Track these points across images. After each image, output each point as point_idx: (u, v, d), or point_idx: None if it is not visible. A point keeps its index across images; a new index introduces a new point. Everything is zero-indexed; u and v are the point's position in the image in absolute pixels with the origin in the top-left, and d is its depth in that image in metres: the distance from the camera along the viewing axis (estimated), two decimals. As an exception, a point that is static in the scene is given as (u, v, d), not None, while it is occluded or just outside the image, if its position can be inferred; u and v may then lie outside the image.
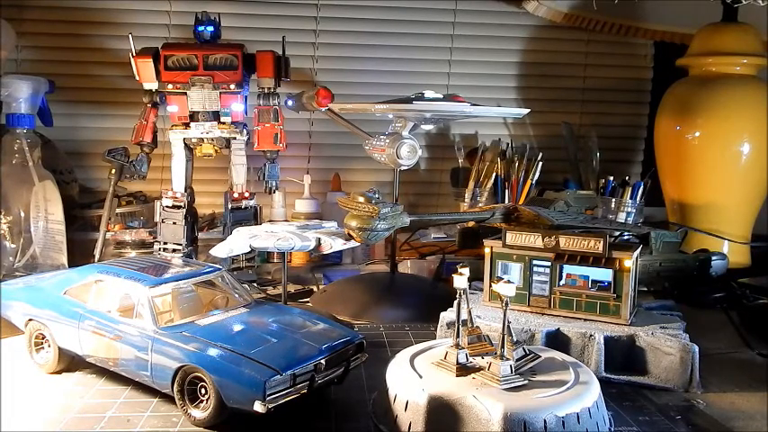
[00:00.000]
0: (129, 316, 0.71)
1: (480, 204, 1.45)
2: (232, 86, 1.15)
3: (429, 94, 0.99)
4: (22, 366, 0.79)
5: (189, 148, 1.18)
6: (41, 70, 1.36)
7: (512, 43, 1.66)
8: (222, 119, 1.17)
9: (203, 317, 0.73)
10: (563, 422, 0.58)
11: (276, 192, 1.27)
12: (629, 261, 0.82)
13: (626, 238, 1.12)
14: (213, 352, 0.65)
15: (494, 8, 1.63)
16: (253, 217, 1.21)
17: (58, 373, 0.77)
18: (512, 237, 0.88)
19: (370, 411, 0.68)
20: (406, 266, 1.28)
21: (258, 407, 0.60)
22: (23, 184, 1.16)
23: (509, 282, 0.63)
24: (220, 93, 1.15)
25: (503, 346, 0.64)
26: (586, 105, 1.73)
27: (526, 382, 0.63)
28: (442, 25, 1.62)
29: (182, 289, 0.75)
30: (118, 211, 1.31)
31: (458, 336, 0.67)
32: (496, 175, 1.45)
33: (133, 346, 0.69)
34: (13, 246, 1.15)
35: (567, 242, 0.85)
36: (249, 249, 0.91)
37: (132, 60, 1.15)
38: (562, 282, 0.86)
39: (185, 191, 1.18)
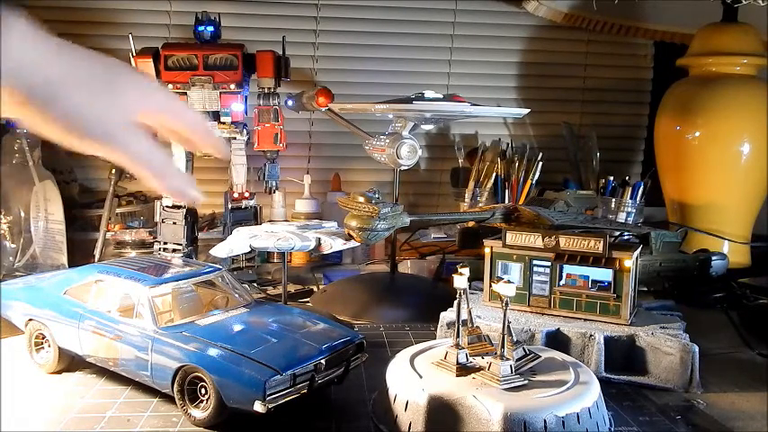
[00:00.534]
0: (129, 316, 0.71)
1: (480, 204, 1.45)
2: (232, 86, 1.15)
3: (429, 94, 0.99)
4: (22, 366, 0.79)
5: (189, 148, 1.18)
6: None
7: (512, 43, 1.66)
8: (222, 119, 1.17)
9: (203, 317, 0.73)
10: (563, 422, 0.58)
11: (276, 192, 1.27)
12: (629, 261, 0.82)
13: (626, 238, 1.12)
14: (213, 352, 0.65)
15: (494, 8, 1.63)
16: (253, 217, 1.21)
17: (58, 373, 0.77)
18: (512, 237, 0.88)
19: (370, 411, 0.68)
20: (406, 266, 1.28)
21: (258, 407, 0.60)
22: (23, 184, 1.16)
23: (509, 282, 0.63)
24: (220, 93, 1.15)
25: (503, 346, 0.64)
26: (586, 105, 1.73)
27: (526, 382, 0.63)
28: (442, 25, 1.62)
29: (182, 289, 0.75)
30: (118, 211, 1.31)
31: (458, 336, 0.67)
32: (496, 175, 1.45)
33: (133, 346, 0.69)
34: (13, 246, 1.15)
35: (567, 242, 0.85)
36: (249, 249, 0.91)
37: (132, 60, 1.15)
38: (562, 282, 0.86)
39: (185, 191, 1.18)
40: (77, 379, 0.76)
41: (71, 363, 0.77)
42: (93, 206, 1.34)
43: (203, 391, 0.65)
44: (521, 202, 1.36)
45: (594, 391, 0.63)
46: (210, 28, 1.17)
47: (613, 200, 1.45)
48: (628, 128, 1.75)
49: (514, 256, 0.89)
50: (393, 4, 1.58)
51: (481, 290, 0.94)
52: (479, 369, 0.65)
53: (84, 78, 0.42)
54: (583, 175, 1.60)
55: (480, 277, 0.94)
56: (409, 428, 0.61)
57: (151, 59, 1.14)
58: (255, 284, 1.16)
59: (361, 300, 1.06)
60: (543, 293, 0.87)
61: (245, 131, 1.20)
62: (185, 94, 1.15)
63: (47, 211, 1.16)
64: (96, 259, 1.16)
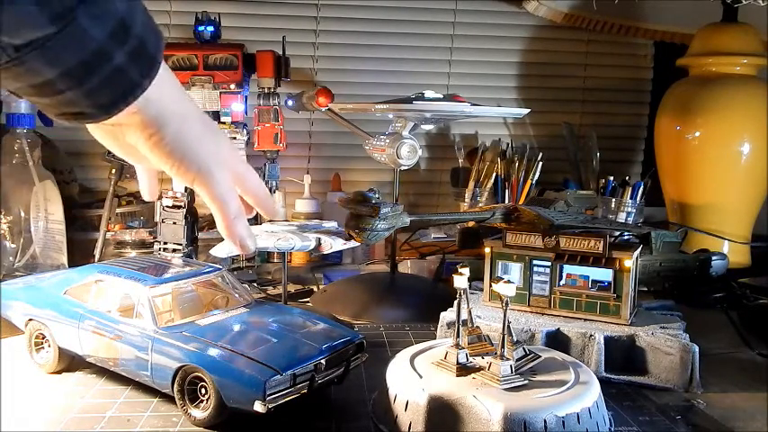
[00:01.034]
0: (129, 316, 0.71)
1: (480, 204, 1.45)
2: (232, 86, 1.15)
3: (429, 94, 0.99)
4: (22, 366, 0.79)
5: (189, 147, 1.18)
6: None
7: (512, 43, 1.66)
8: (222, 119, 1.17)
9: (203, 317, 0.73)
10: (563, 422, 0.58)
11: (276, 192, 1.27)
12: (630, 261, 0.82)
13: (626, 238, 1.12)
14: (213, 352, 0.65)
15: (494, 8, 1.63)
16: (253, 217, 1.21)
17: (58, 373, 0.77)
18: (512, 237, 0.88)
19: (370, 411, 0.68)
20: (406, 266, 1.28)
21: (258, 407, 0.60)
22: (23, 184, 1.16)
23: (509, 282, 0.63)
24: (220, 93, 1.15)
25: (503, 346, 0.64)
26: (586, 105, 1.73)
27: (526, 382, 0.63)
28: (442, 25, 1.62)
29: (182, 289, 0.75)
30: (118, 211, 1.31)
31: (458, 336, 0.67)
32: (496, 175, 1.45)
33: (133, 346, 0.69)
34: (13, 246, 1.15)
35: (567, 242, 0.85)
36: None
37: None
38: (562, 282, 0.86)
39: (185, 191, 1.18)
40: (77, 379, 0.76)
41: (71, 363, 0.77)
42: (93, 206, 1.33)
43: (203, 391, 0.65)
44: (521, 202, 1.36)
45: (594, 391, 0.63)
46: (210, 28, 1.17)
47: (613, 200, 1.45)
48: (628, 128, 1.75)
49: (514, 256, 0.89)
50: (393, 4, 1.58)
51: (481, 290, 0.94)
52: (479, 369, 0.64)
53: (200, 117, 0.50)
54: (583, 175, 1.60)
55: (480, 277, 0.94)
56: (409, 428, 0.61)
57: (151, 59, 1.14)
58: (255, 284, 1.16)
59: (361, 300, 1.06)
60: (543, 293, 0.87)
61: (245, 131, 1.20)
62: (185, 93, 1.15)
63: (47, 211, 1.16)
64: (96, 259, 1.16)
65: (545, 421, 0.57)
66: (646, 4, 1.55)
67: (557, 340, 0.81)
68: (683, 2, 1.50)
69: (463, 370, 0.65)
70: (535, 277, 0.87)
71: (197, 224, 1.23)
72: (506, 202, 1.43)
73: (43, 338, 0.78)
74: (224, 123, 1.17)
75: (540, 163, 1.43)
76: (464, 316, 0.68)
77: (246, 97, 1.20)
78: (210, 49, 1.16)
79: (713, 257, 1.16)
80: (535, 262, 0.87)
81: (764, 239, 1.46)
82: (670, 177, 1.42)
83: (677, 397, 0.76)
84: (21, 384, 0.74)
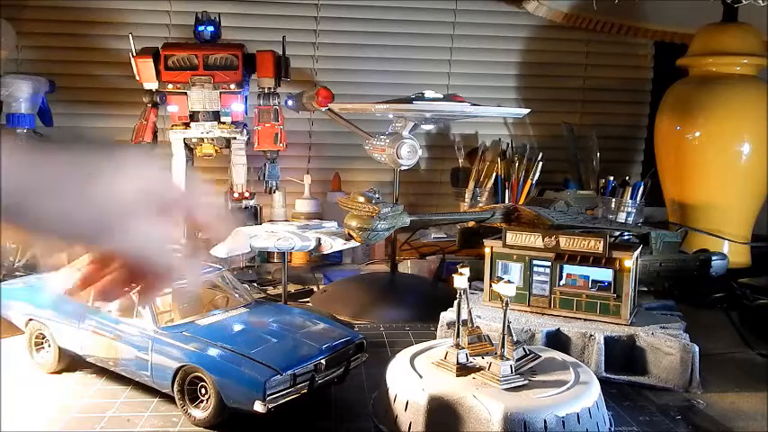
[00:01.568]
0: (129, 316, 0.71)
1: (480, 204, 1.45)
2: (232, 86, 1.15)
3: (429, 94, 0.99)
4: (22, 366, 0.79)
5: (189, 147, 1.18)
6: (41, 70, 1.36)
7: (512, 43, 1.66)
8: (222, 119, 1.17)
9: (203, 317, 0.73)
10: (563, 422, 0.58)
11: (276, 192, 1.27)
12: (630, 261, 0.82)
13: (626, 238, 1.12)
14: (213, 352, 0.65)
15: (494, 8, 1.63)
16: (253, 217, 1.21)
17: (58, 373, 0.77)
18: (512, 237, 0.88)
19: (370, 411, 0.68)
20: (406, 266, 1.28)
21: (258, 407, 0.60)
22: (23, 184, 1.16)
23: (509, 282, 0.63)
24: (221, 93, 1.15)
25: (503, 346, 0.64)
26: (586, 105, 1.73)
27: (526, 382, 0.63)
28: (442, 25, 1.62)
29: (182, 289, 0.75)
30: (118, 210, 1.31)
31: (458, 336, 0.67)
32: (496, 175, 1.45)
33: (133, 346, 0.69)
34: (13, 246, 1.15)
35: (567, 242, 0.85)
36: (249, 249, 0.91)
37: (132, 60, 1.15)
38: (562, 282, 0.86)
39: (185, 191, 1.18)
40: (77, 379, 0.76)
41: (71, 363, 0.77)
42: (93, 206, 1.33)
43: (203, 391, 0.65)
44: (521, 202, 1.36)
45: (594, 391, 0.63)
46: (211, 28, 1.17)
47: (613, 200, 1.45)
48: (628, 128, 1.75)
49: (514, 256, 0.88)
50: (393, 4, 1.58)
51: (481, 290, 0.94)
52: (479, 369, 0.64)
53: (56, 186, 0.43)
54: (583, 175, 1.60)
55: (480, 277, 0.94)
56: (409, 428, 0.61)
57: (151, 59, 1.14)
58: (255, 284, 1.16)
59: (361, 300, 1.06)
60: (543, 293, 0.87)
61: (245, 131, 1.20)
62: (185, 93, 1.15)
63: (47, 211, 1.16)
64: (96, 259, 1.15)
65: (545, 421, 0.57)
66: (646, 4, 1.55)
67: (557, 340, 0.81)
68: (683, 2, 1.50)
69: (463, 370, 0.65)
70: (535, 277, 0.87)
71: (197, 224, 1.23)
72: (506, 202, 1.43)
73: (43, 338, 0.78)
74: (224, 123, 1.17)
75: (540, 163, 1.43)
76: (464, 316, 0.68)
77: (246, 97, 1.20)
78: (210, 49, 1.16)
79: (713, 257, 1.16)
80: (535, 262, 0.87)
81: (764, 239, 1.46)
82: (670, 177, 1.42)
83: (677, 397, 0.76)
84: (21, 384, 0.74)
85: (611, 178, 1.47)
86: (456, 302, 0.67)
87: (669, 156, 1.40)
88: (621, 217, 1.44)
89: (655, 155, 1.45)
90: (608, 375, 0.78)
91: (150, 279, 0.48)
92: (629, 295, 0.83)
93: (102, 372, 0.76)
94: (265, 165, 1.22)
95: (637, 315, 0.86)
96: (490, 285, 0.90)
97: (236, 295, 0.79)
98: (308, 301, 1.11)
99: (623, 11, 1.51)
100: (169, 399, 0.68)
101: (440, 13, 1.61)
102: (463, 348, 0.66)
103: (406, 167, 1.04)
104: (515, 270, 0.89)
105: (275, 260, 1.34)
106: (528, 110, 1.10)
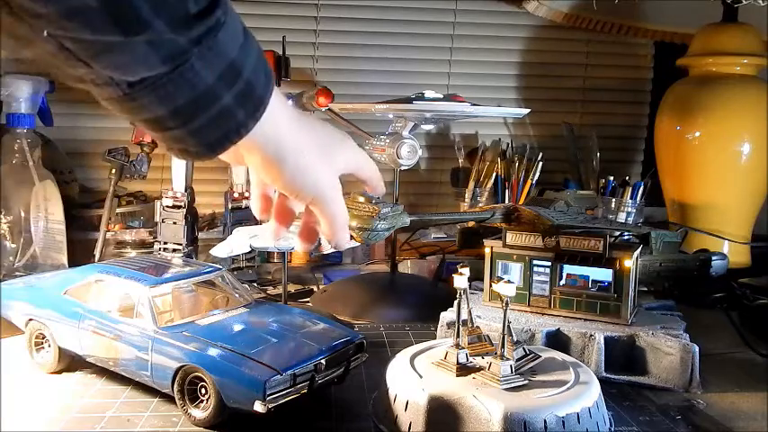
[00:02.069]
0: (129, 316, 0.71)
1: (480, 204, 1.45)
2: (232, 86, 1.15)
3: (429, 94, 0.99)
4: (22, 366, 0.79)
5: (189, 147, 1.18)
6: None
7: (512, 43, 1.66)
8: (222, 119, 1.17)
9: (203, 317, 0.73)
10: (563, 422, 0.58)
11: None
12: (630, 261, 0.82)
13: (626, 238, 1.12)
14: (213, 352, 0.65)
15: (494, 8, 1.63)
16: (253, 217, 1.21)
17: (58, 373, 0.77)
18: (512, 237, 0.88)
19: (370, 411, 0.68)
20: (406, 266, 1.28)
21: (258, 407, 0.60)
22: (23, 184, 1.16)
23: (509, 282, 0.63)
24: (220, 93, 1.15)
25: (503, 346, 0.64)
26: (586, 105, 1.73)
27: (526, 382, 0.63)
28: (442, 25, 1.62)
29: (182, 289, 0.75)
30: (118, 211, 1.31)
31: (458, 336, 0.67)
32: (496, 175, 1.45)
33: (133, 346, 0.69)
34: (13, 246, 1.15)
35: (567, 242, 0.85)
36: (249, 249, 0.91)
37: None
38: (562, 282, 0.86)
39: (185, 191, 1.18)
40: (77, 379, 0.76)
41: (71, 363, 0.77)
42: (93, 206, 1.33)
43: (203, 390, 0.65)
44: (521, 202, 1.36)
45: (594, 391, 0.63)
46: (211, 28, 1.17)
47: (613, 200, 1.45)
48: (628, 128, 1.75)
49: (514, 256, 0.89)
50: (393, 4, 1.58)
51: (481, 290, 0.94)
52: (479, 369, 0.65)
53: (315, 144, 0.51)
54: (583, 175, 1.60)
55: (480, 277, 0.94)
56: (409, 428, 0.61)
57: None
58: (255, 284, 1.16)
59: (361, 300, 1.06)
60: (543, 293, 0.87)
61: (245, 131, 1.20)
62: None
63: (47, 211, 1.16)
64: (96, 259, 1.16)
65: (545, 421, 0.57)
66: (646, 4, 1.55)
67: (557, 340, 0.81)
68: (683, 2, 1.50)
69: (463, 370, 0.65)
70: (535, 277, 0.87)
71: (197, 224, 1.23)
72: (506, 202, 1.43)
73: (43, 338, 0.78)
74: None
75: (540, 163, 1.43)
76: (464, 316, 0.68)
77: (246, 97, 1.20)
78: (211, 48, 1.16)
79: (713, 257, 1.16)
80: (535, 262, 0.87)
81: (764, 239, 1.46)
82: (670, 177, 1.42)
83: (677, 397, 0.76)
84: (21, 384, 0.74)
85: (611, 178, 1.47)
86: (456, 302, 0.67)
87: (669, 156, 1.40)
88: (621, 217, 1.44)
89: (655, 155, 1.45)
90: (608, 375, 0.78)
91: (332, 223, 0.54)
92: (629, 295, 0.83)
93: (102, 372, 0.76)
94: (265, 165, 1.22)
95: (637, 315, 0.86)
96: (490, 285, 0.90)
97: (236, 295, 0.79)
98: (308, 301, 1.11)
99: (623, 11, 1.51)
100: (169, 399, 0.68)
101: (440, 13, 1.61)
102: (463, 348, 0.66)
103: (406, 167, 1.04)
104: (515, 270, 0.89)
105: (275, 260, 1.34)
106: (528, 110, 1.10)
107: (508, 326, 0.64)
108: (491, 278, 0.90)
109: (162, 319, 0.70)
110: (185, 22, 0.38)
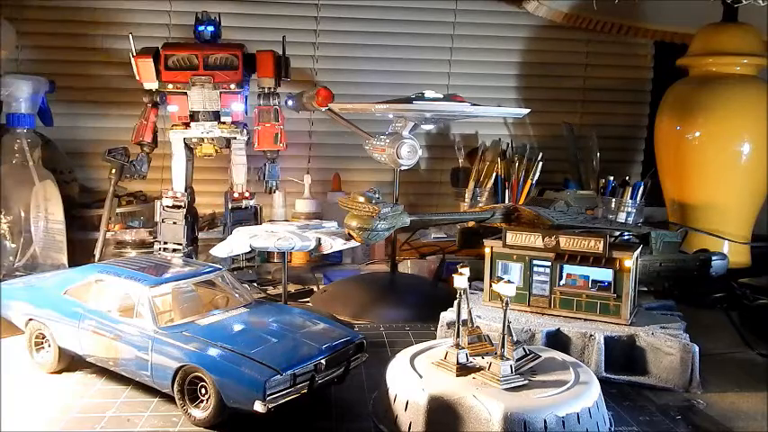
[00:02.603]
0: (129, 316, 0.71)
1: (480, 204, 1.45)
2: (232, 86, 1.15)
3: (429, 94, 0.99)
4: (22, 366, 0.79)
5: (189, 147, 1.18)
6: (41, 70, 1.36)
7: (512, 43, 1.66)
8: (222, 119, 1.17)
9: (203, 317, 0.73)
10: (563, 422, 0.58)
11: (276, 192, 1.27)
12: (630, 261, 0.82)
13: (626, 238, 1.12)
14: (213, 352, 0.65)
15: (494, 8, 1.63)
16: (253, 217, 1.21)
17: (58, 372, 0.77)
18: (512, 237, 0.88)
19: (370, 411, 0.68)
20: (406, 266, 1.28)
21: (258, 407, 0.60)
22: (23, 184, 1.16)
23: (509, 282, 0.63)
24: (221, 92, 1.15)
25: (503, 346, 0.64)
26: (586, 105, 1.73)
27: (526, 382, 0.63)
28: (442, 25, 1.62)
29: (182, 289, 0.75)
30: (118, 210, 1.31)
31: (458, 336, 0.67)
32: (496, 175, 1.45)
33: (133, 346, 0.69)
34: (13, 246, 1.15)
35: (567, 242, 0.85)
36: (249, 249, 0.91)
37: (132, 60, 1.15)
38: (562, 282, 0.86)
39: (185, 191, 1.18)
40: (77, 379, 0.76)
41: (71, 363, 0.77)
42: (93, 206, 1.34)
43: (203, 390, 0.65)
44: (521, 202, 1.36)
45: (594, 391, 0.63)
46: (211, 28, 1.17)
47: (613, 200, 1.45)
48: (628, 128, 1.75)
49: (514, 256, 0.89)
50: (393, 4, 1.58)
51: (481, 290, 0.94)
52: (479, 369, 0.65)
53: None
54: (583, 175, 1.60)
55: (480, 277, 0.94)
56: (409, 428, 0.61)
57: (151, 59, 1.14)
58: (255, 284, 1.16)
59: (361, 300, 1.06)
60: (543, 293, 0.87)
61: (245, 131, 1.20)
62: (186, 93, 1.15)
63: (47, 211, 1.16)
64: (96, 259, 1.16)
65: (545, 421, 0.57)
66: (646, 4, 1.55)
67: (557, 340, 0.81)
68: (683, 2, 1.50)
69: (463, 370, 0.65)
70: (535, 277, 0.87)
71: (197, 224, 1.23)
72: (506, 202, 1.43)
73: (43, 338, 0.78)
74: (224, 123, 1.17)
75: (540, 163, 1.43)
76: (464, 316, 0.68)
77: (246, 97, 1.20)
78: (211, 49, 1.16)
79: (713, 257, 1.16)
80: (535, 262, 0.87)
81: (764, 239, 1.46)
82: (670, 177, 1.42)
83: (677, 397, 0.76)
84: (21, 384, 0.74)
85: (611, 178, 1.47)
86: (456, 302, 0.67)
87: (669, 156, 1.40)
88: (621, 217, 1.44)
89: (655, 155, 1.45)
90: (608, 375, 0.78)
91: None
92: (629, 295, 0.83)
93: (102, 372, 0.76)
94: (265, 165, 1.22)
95: (637, 315, 0.86)
96: (490, 285, 0.90)
97: (236, 295, 0.79)
98: (308, 301, 1.11)
99: (623, 11, 1.51)
100: (169, 399, 0.68)
101: (440, 13, 1.61)
102: (463, 348, 0.66)
103: (406, 167, 1.04)
104: (515, 270, 0.89)
105: (275, 260, 1.34)
106: (528, 110, 1.10)
107: (508, 326, 0.64)
108: (491, 278, 0.90)
109: (162, 319, 0.70)
110: None
